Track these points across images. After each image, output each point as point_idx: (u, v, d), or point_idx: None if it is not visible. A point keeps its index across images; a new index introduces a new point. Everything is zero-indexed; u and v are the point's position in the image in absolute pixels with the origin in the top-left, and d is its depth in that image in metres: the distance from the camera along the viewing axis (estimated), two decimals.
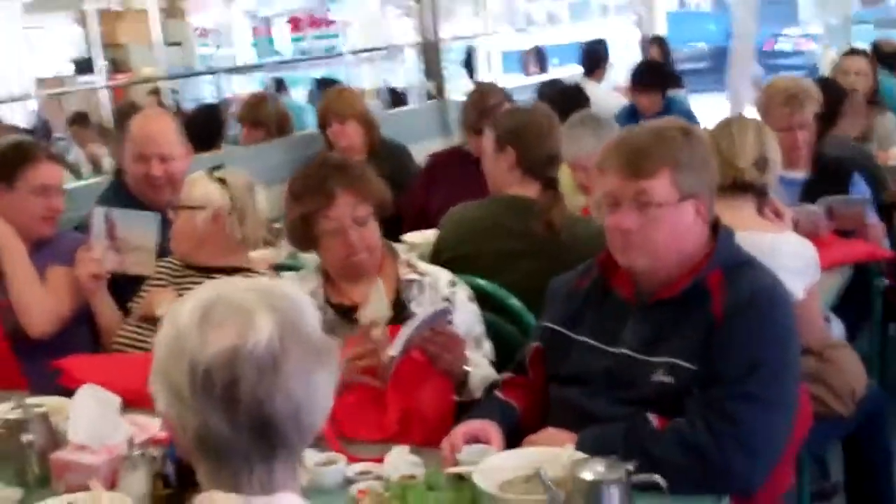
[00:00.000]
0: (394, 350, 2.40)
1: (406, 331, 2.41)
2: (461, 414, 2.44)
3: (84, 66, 7.70)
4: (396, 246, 2.95)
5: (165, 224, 3.28)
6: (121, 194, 3.67)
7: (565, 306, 2.38)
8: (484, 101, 4.41)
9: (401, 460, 2.21)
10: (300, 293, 1.45)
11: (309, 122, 6.14)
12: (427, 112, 5.94)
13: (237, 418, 1.32)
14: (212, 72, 7.46)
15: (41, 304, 3.21)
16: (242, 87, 7.57)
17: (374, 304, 2.57)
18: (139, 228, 3.30)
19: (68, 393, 2.65)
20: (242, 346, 1.31)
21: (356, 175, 2.71)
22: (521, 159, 3.15)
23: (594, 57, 7.14)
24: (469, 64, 7.46)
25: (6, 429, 2.37)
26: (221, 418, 1.32)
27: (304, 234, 2.73)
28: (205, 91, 8.81)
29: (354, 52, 6.32)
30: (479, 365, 2.62)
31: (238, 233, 3.08)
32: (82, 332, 3.32)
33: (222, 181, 3.09)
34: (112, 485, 2.19)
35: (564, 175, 3.88)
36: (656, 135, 2.25)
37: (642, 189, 2.19)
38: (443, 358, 2.47)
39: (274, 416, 1.33)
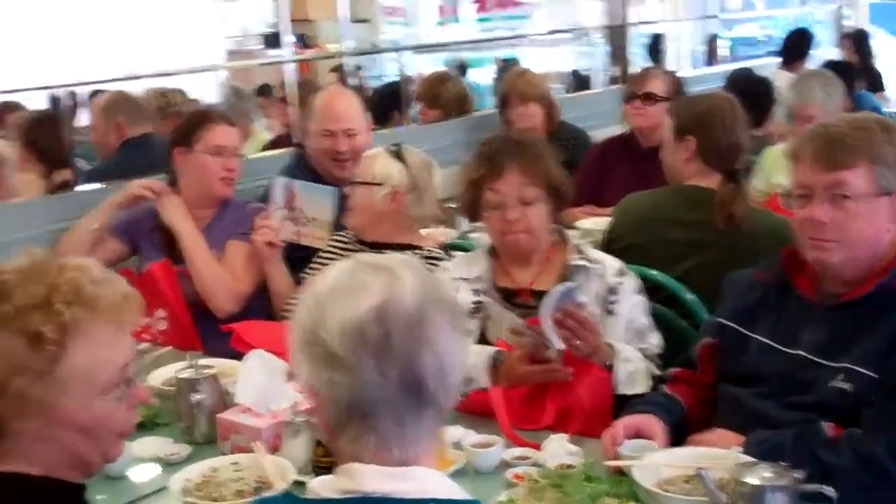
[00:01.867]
0: (557, 343, 2.35)
1: (544, 318, 2.36)
2: (622, 406, 2.37)
3: (272, 40, 7.90)
4: (569, 232, 2.89)
5: (343, 199, 3.33)
6: (302, 166, 3.74)
7: (742, 302, 2.28)
8: (634, 76, 4.36)
9: (559, 448, 2.18)
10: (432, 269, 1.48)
11: (489, 103, 6.12)
12: (610, 97, 5.83)
13: (389, 371, 1.32)
14: (395, 49, 7.51)
15: (223, 286, 3.30)
16: (425, 67, 7.60)
17: None
18: (318, 201, 3.37)
19: (239, 357, 2.74)
20: (391, 301, 1.33)
21: (532, 155, 2.67)
22: (702, 149, 3.05)
23: (796, 47, 6.84)
24: (655, 50, 7.28)
25: (178, 387, 2.45)
26: (374, 374, 1.32)
27: (470, 201, 2.72)
28: (388, 69, 8.91)
29: (540, 34, 6.23)
30: (630, 360, 2.52)
31: (414, 211, 3.10)
32: (258, 297, 3.41)
33: (402, 159, 3.10)
34: (274, 449, 2.23)
35: (769, 156, 3.73)
36: (855, 126, 2.12)
37: (838, 180, 2.08)
38: (573, 344, 2.40)
39: (423, 371, 1.33)
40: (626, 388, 2.46)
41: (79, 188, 3.93)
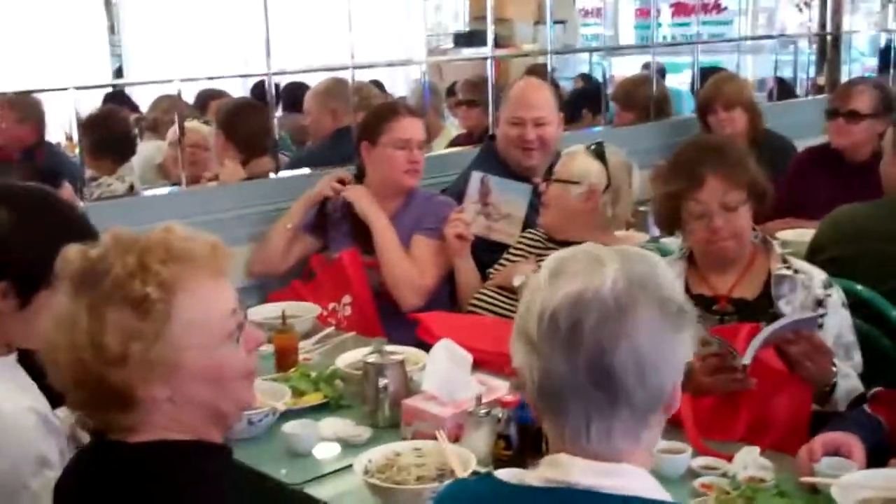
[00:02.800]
0: (746, 358, 2.25)
1: (765, 333, 2.26)
2: (820, 424, 2.25)
3: (464, 39, 7.95)
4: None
5: (536, 197, 3.31)
6: (492, 158, 3.74)
7: None
8: (842, 87, 4.15)
9: (750, 460, 2.09)
10: (661, 260, 1.41)
11: (687, 108, 5.97)
12: (815, 106, 5.60)
13: (577, 360, 1.30)
14: (590, 50, 7.44)
15: (410, 280, 3.33)
16: (623, 69, 7.49)
17: None
18: (511, 197, 3.37)
19: (422, 346, 2.76)
20: (586, 290, 1.31)
21: (731, 159, 2.58)
22: None
23: None
24: (886, 58, 6.89)
25: (364, 371, 2.48)
26: (563, 361, 1.31)
27: (669, 213, 2.64)
28: (583, 71, 8.82)
29: (742, 39, 6.04)
30: (848, 376, 2.41)
31: (609, 211, 3.05)
32: (442, 289, 3.42)
33: (602, 158, 3.05)
34: (456, 438, 2.22)
35: None
36: None
37: None
38: (803, 365, 2.29)
39: (615, 364, 1.29)
40: (843, 406, 2.34)
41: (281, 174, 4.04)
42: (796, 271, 2.55)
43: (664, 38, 7.73)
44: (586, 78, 6.97)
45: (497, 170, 3.57)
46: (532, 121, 3.64)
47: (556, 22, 7.58)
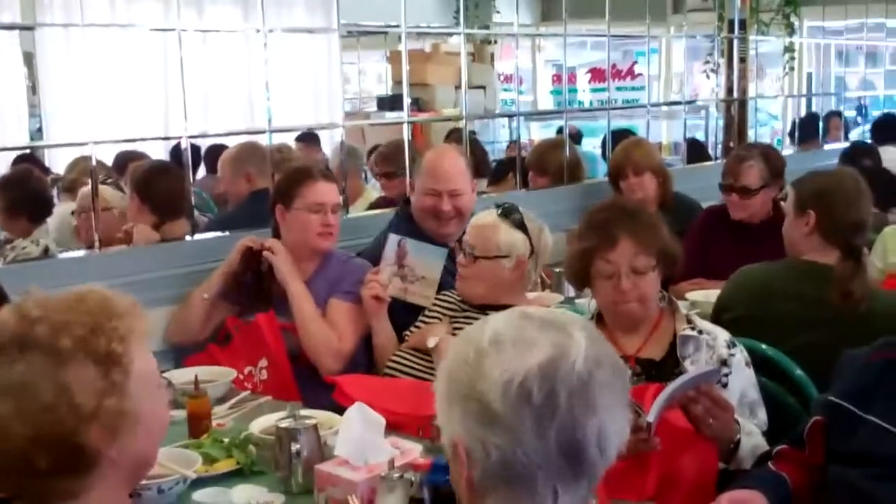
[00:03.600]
0: (651, 416, 2.29)
1: (668, 390, 2.31)
2: (726, 482, 2.30)
3: (386, 103, 8.05)
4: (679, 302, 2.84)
5: (450, 260, 3.35)
6: (407, 221, 3.78)
7: (856, 382, 2.20)
8: (734, 159, 4.31)
9: None
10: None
11: (601, 171, 6.12)
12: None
13: (549, 435, 1.26)
14: (508, 115, 7.58)
15: (328, 345, 3.33)
16: (539, 134, 7.64)
17: None
18: (427, 260, 3.41)
19: (338, 410, 2.76)
20: (561, 360, 1.28)
21: (644, 223, 2.64)
22: (823, 224, 2.99)
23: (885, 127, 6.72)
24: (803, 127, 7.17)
25: (277, 436, 2.47)
26: (534, 435, 1.26)
27: (580, 270, 2.69)
28: (502, 135, 8.97)
29: (655, 105, 6.21)
30: (752, 433, 2.47)
31: (532, 276, 3.10)
32: (360, 352, 3.43)
33: (522, 227, 3.10)
34: (369, 503, 2.22)
35: (889, 235, 3.64)
36: None
37: None
38: (706, 422, 2.34)
39: (584, 438, 1.28)
40: (748, 464, 2.38)
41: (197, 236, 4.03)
42: (700, 332, 2.61)
43: (580, 103, 7.94)
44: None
45: (412, 233, 3.60)
46: (447, 192, 3.65)
47: (475, 87, 7.73)
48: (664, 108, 6.51)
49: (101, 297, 1.48)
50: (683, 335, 2.60)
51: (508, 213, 3.14)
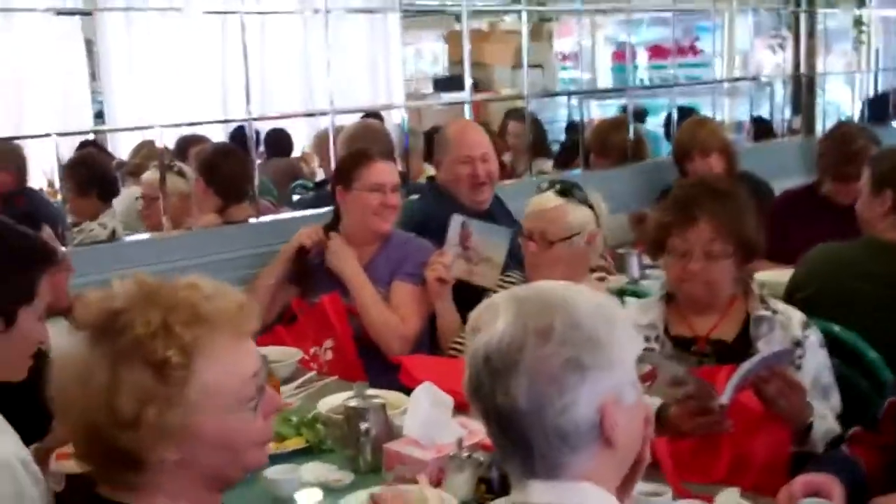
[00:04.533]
0: (724, 398, 2.25)
1: (741, 371, 2.27)
2: (798, 465, 2.27)
3: (443, 84, 8.01)
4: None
5: (513, 240, 3.33)
6: (440, 198, 3.81)
7: None
8: (848, 145, 4.14)
9: (731, 502, 2.09)
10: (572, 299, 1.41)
11: (663, 150, 6.03)
12: (792, 147, 5.69)
13: (488, 413, 1.39)
14: (568, 93, 7.50)
15: (393, 330, 3.34)
16: (598, 113, 7.55)
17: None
18: (492, 241, 3.39)
19: (404, 390, 2.76)
20: (484, 342, 1.37)
21: (728, 208, 2.57)
22: None
23: None
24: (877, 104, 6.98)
25: (346, 415, 2.48)
26: (481, 414, 1.41)
27: (656, 242, 2.66)
28: (561, 114, 8.88)
29: (718, 82, 6.11)
30: (824, 417, 2.43)
31: (600, 251, 3.08)
32: (424, 333, 3.43)
33: (586, 202, 3.08)
34: (437, 482, 2.22)
35: None
36: None
37: None
38: (777, 403, 2.31)
39: (511, 414, 1.36)
40: (820, 447, 2.35)
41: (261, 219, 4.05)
42: (775, 312, 2.57)
43: (641, 80, 7.83)
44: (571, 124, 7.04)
45: (443, 209, 3.63)
46: (479, 158, 3.77)
47: (533, 66, 7.66)
48: (726, 85, 6.40)
49: (188, 298, 1.41)
50: (757, 316, 2.56)
51: (568, 191, 3.11)
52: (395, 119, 5.48)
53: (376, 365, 3.26)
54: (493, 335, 1.37)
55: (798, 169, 5.46)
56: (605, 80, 9.71)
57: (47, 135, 3.65)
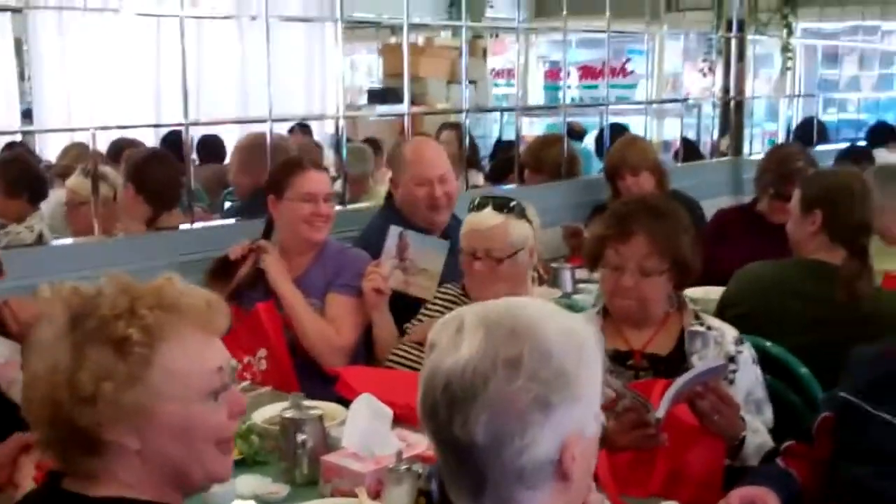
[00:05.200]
0: (660, 411, 2.27)
1: (676, 385, 2.30)
2: (733, 479, 2.29)
3: (378, 96, 8.01)
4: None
5: (451, 253, 3.33)
6: (395, 216, 3.76)
7: (868, 379, 2.19)
8: (787, 165, 4.22)
9: None
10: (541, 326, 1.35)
11: (594, 168, 6.11)
12: (721, 168, 5.79)
13: (439, 441, 1.35)
14: (503, 109, 7.57)
15: (328, 343, 3.29)
16: (531, 130, 7.62)
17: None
18: (430, 253, 3.39)
19: (340, 401, 2.74)
20: (441, 366, 1.33)
21: (665, 227, 2.60)
22: (829, 223, 2.99)
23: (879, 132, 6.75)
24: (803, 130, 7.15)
25: (282, 426, 2.45)
26: (433, 441, 1.37)
27: (592, 253, 2.68)
28: (493, 129, 8.93)
29: (649, 102, 6.20)
30: (757, 431, 2.46)
31: (532, 267, 3.09)
32: (360, 344, 3.41)
33: (525, 216, 3.08)
34: (375, 495, 2.21)
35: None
36: None
37: None
38: (711, 418, 2.33)
39: (467, 445, 1.31)
40: (753, 461, 2.38)
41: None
42: (709, 328, 2.61)
43: (573, 99, 7.91)
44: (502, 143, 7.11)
45: (405, 226, 3.59)
46: (437, 179, 3.68)
47: (469, 82, 7.70)
48: (655, 106, 6.49)
49: (157, 287, 1.45)
50: (692, 331, 2.59)
51: (506, 206, 3.09)
52: (328, 129, 5.46)
53: (312, 375, 3.23)
54: (458, 361, 1.31)
55: (726, 189, 5.56)
56: (537, 97, 9.85)
57: None
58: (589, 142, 7.18)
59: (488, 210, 3.09)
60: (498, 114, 8.82)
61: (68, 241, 4.03)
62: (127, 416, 1.38)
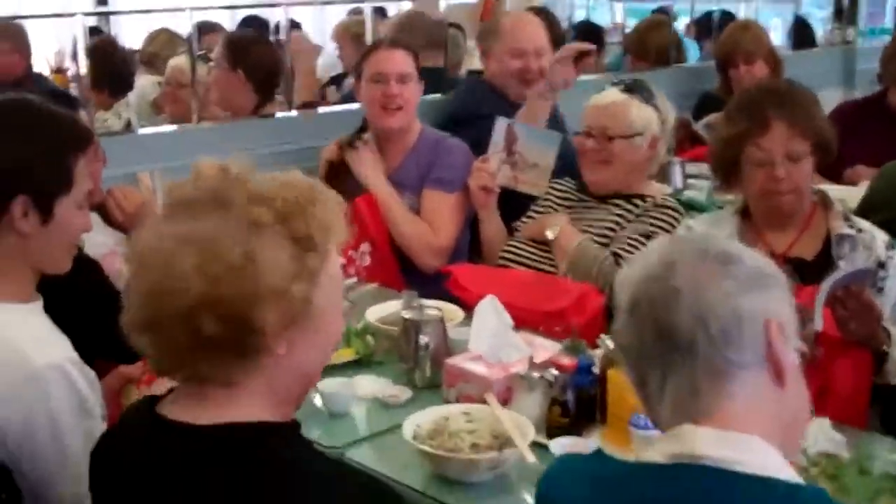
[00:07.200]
0: (817, 323, 2.10)
1: (823, 291, 2.12)
2: (878, 398, 2.15)
3: None
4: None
5: (563, 146, 3.15)
6: (482, 93, 3.62)
7: None
8: None
9: (821, 434, 1.96)
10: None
11: (692, 56, 5.79)
12: (833, 57, 5.46)
13: (643, 328, 1.29)
14: None
15: (425, 243, 3.12)
16: (622, 15, 7.25)
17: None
18: (540, 146, 3.18)
19: (447, 298, 2.64)
20: (644, 264, 1.33)
21: (799, 105, 2.43)
22: None
23: None
24: None
25: (403, 328, 2.33)
26: (632, 330, 1.31)
27: (727, 160, 2.49)
28: (578, 15, 8.57)
29: None
30: None
31: (661, 157, 2.92)
32: (462, 243, 3.27)
33: (652, 102, 2.89)
34: (503, 402, 2.08)
35: None
36: None
37: None
38: (848, 327, 2.16)
39: (673, 322, 1.25)
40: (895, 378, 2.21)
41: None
42: (859, 230, 2.42)
43: None
44: (586, 25, 6.78)
45: (497, 104, 3.46)
46: (534, 52, 3.56)
47: None
48: None
49: (309, 184, 1.35)
50: (840, 234, 2.41)
51: (636, 88, 2.93)
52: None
53: (415, 270, 3.11)
54: (651, 252, 1.34)
55: (835, 80, 5.28)
56: None
57: (72, 14, 3.36)
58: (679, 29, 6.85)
59: (613, 89, 2.94)
60: None
61: (168, 127, 3.90)
62: (298, 320, 1.29)
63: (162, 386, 1.77)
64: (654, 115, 2.90)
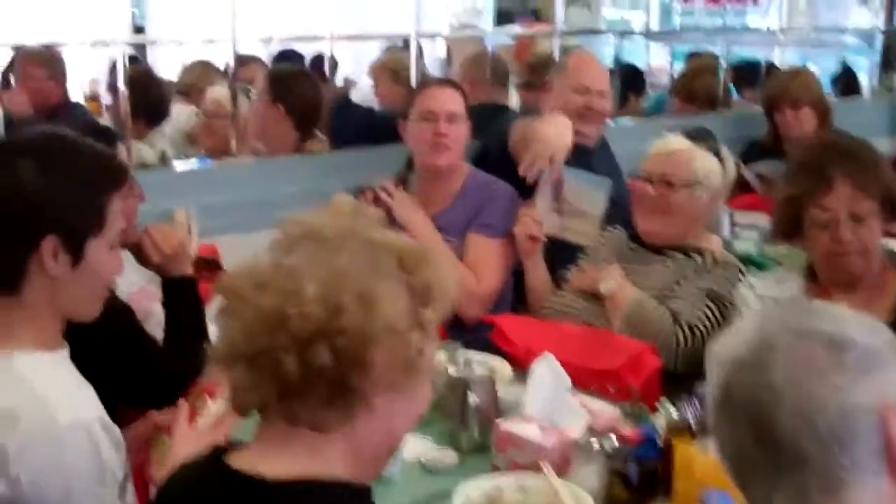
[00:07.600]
0: None
1: None
2: None
3: (502, 17, 7.66)
4: None
5: (617, 192, 3.04)
6: None
7: None
8: None
9: None
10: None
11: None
12: (880, 106, 5.36)
13: (739, 429, 1.18)
14: (620, 32, 7.12)
15: (468, 290, 2.94)
16: (654, 57, 7.17)
17: None
18: (589, 193, 3.07)
19: (490, 349, 2.54)
20: (726, 346, 1.23)
21: (863, 163, 2.34)
22: None
23: None
24: None
25: (450, 386, 2.21)
26: (727, 430, 1.20)
27: (789, 220, 2.39)
28: (604, 53, 8.48)
29: (782, 31, 5.73)
30: None
31: (716, 218, 2.80)
32: (506, 291, 3.14)
33: (718, 154, 2.78)
34: (559, 472, 1.95)
35: None
36: None
37: None
38: None
39: (774, 423, 1.14)
40: None
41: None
42: None
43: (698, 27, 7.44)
44: (620, 64, 6.72)
45: None
46: (597, 92, 3.49)
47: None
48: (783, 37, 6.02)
49: (426, 249, 1.34)
50: None
51: (701, 137, 2.83)
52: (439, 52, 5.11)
53: (457, 319, 2.97)
54: (738, 332, 1.23)
55: (882, 128, 5.16)
56: (653, 23, 9.33)
57: (105, 44, 3.27)
58: None
59: (677, 136, 2.85)
60: (611, 37, 8.39)
61: (206, 163, 3.81)
62: (407, 371, 1.25)
63: (209, 418, 1.78)
64: (717, 167, 2.79)
